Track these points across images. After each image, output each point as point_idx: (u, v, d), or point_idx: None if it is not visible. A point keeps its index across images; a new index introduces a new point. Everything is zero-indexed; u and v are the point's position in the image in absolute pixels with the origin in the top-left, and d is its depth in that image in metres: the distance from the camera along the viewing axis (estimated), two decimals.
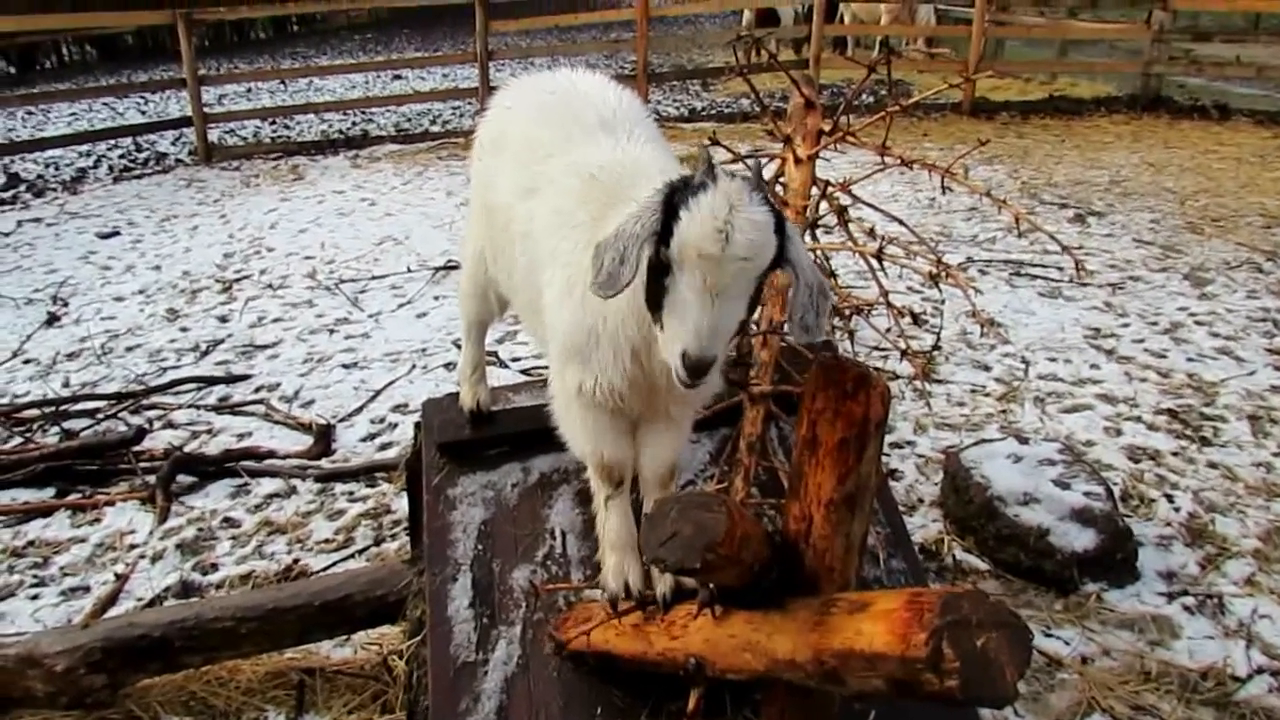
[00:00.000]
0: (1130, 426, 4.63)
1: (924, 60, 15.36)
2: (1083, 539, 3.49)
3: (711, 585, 1.85)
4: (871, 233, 3.57)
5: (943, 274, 2.87)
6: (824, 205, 3.36)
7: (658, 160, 2.12)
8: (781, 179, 3.36)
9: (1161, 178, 9.52)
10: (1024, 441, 4.00)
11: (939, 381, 5.12)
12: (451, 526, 2.63)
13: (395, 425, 4.97)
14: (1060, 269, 6.85)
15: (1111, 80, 14.56)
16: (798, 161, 3.34)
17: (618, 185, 1.99)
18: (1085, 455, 4.23)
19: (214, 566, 3.81)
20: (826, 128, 3.45)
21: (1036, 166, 10.10)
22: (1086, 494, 3.61)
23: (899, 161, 3.01)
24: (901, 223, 3.66)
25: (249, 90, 17.61)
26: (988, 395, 5.01)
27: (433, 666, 2.38)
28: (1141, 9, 13.28)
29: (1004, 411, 4.83)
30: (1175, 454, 4.40)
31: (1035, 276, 6.77)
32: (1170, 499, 4.04)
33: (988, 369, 5.31)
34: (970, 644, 1.37)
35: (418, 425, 2.96)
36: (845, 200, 3.37)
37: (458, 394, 2.92)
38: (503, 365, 5.43)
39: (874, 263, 2.89)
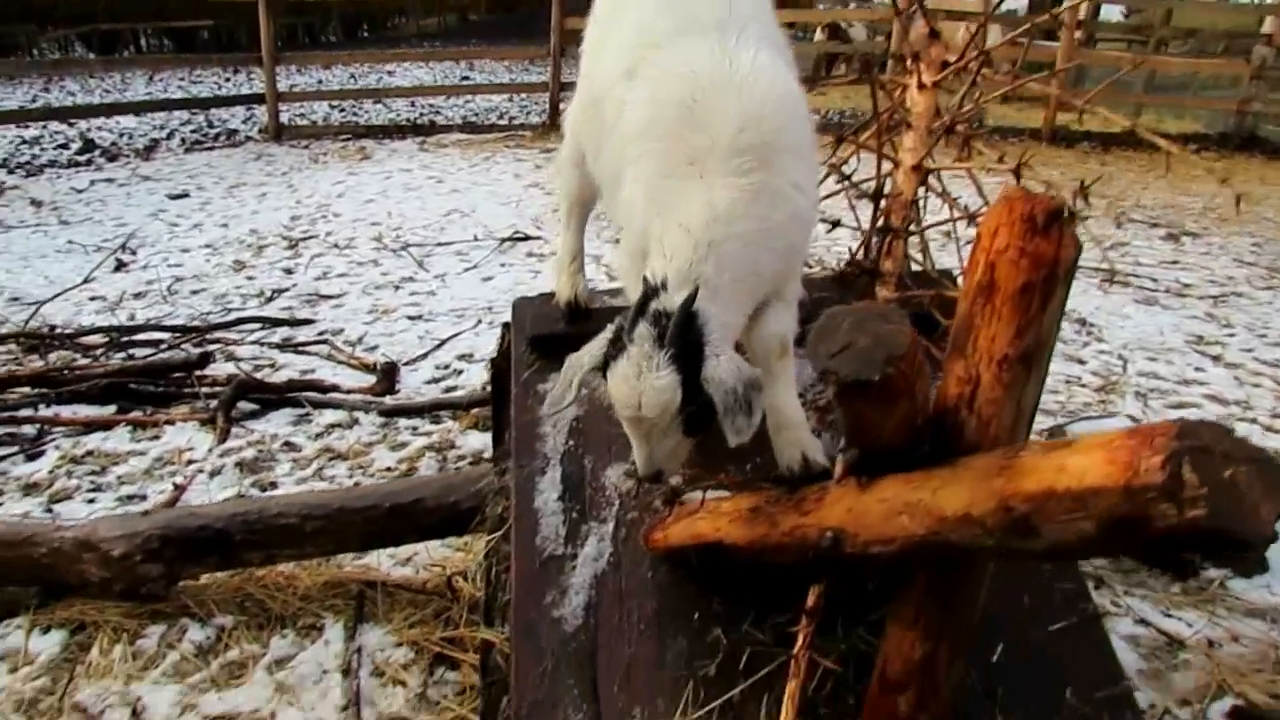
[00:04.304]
0: (1245, 428, 4.33)
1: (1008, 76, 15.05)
2: None
3: (856, 449, 1.64)
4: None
5: (1080, 196, 2.67)
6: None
7: (761, 77, 2.00)
8: (905, 106, 3.18)
9: (1260, 209, 9.12)
10: (1136, 422, 3.74)
11: None
12: (541, 421, 2.44)
13: (460, 372, 4.82)
14: (1154, 280, 6.55)
15: (1201, 118, 14.11)
16: (921, 87, 3.16)
17: (706, 119, 1.92)
18: None
19: (273, 485, 3.67)
20: (951, 59, 3.26)
21: (1121, 191, 9.78)
22: None
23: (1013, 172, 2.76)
24: (1017, 176, 3.45)
25: (319, 82, 17.81)
26: (1084, 386, 4.74)
27: (516, 558, 2.18)
28: (1241, 42, 12.83)
29: (1103, 402, 4.56)
30: None
31: (1129, 285, 6.47)
32: None
33: (1082, 363, 5.04)
34: (1216, 472, 1.14)
35: (505, 325, 2.78)
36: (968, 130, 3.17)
37: (549, 294, 2.74)
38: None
39: (1013, 179, 2.70)
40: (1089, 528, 1.25)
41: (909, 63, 3.15)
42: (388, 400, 4.40)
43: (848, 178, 2.90)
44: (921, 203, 3.14)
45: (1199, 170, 11.27)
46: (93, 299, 6.03)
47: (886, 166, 2.95)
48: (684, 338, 1.73)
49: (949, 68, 3.22)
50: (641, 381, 1.73)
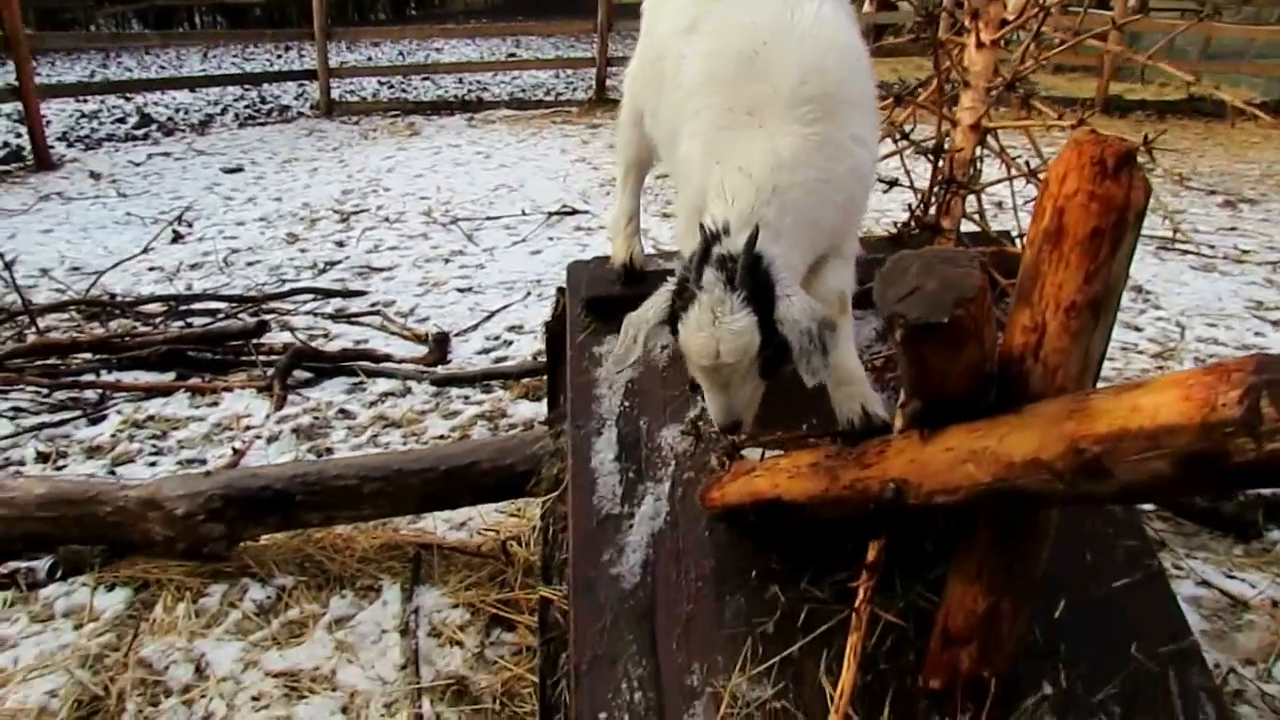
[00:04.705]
0: None
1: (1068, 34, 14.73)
2: None
3: (918, 401, 1.62)
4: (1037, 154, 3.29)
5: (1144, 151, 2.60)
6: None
7: (824, 28, 1.96)
8: (963, 66, 3.12)
9: None
10: None
11: None
12: (597, 383, 2.44)
13: (510, 343, 4.84)
14: (1212, 247, 6.39)
15: (1257, 85, 13.67)
16: (980, 45, 3.09)
17: (766, 69, 1.89)
18: None
19: (329, 451, 3.73)
20: (1010, 17, 3.19)
21: (1178, 157, 9.52)
22: None
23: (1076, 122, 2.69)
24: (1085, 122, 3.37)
25: (369, 59, 17.95)
26: (1141, 353, 4.65)
27: (574, 516, 2.20)
28: None
29: (1160, 368, 4.46)
30: None
31: (1186, 252, 6.31)
32: None
33: (1138, 329, 4.94)
34: None
35: (560, 289, 2.79)
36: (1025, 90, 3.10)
37: (604, 257, 2.74)
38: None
39: (1071, 130, 2.64)
40: (1163, 466, 1.23)
41: (967, 21, 3.09)
42: (440, 370, 4.44)
43: (906, 135, 2.85)
44: (979, 165, 3.09)
45: (1257, 136, 10.97)
46: (151, 269, 6.15)
47: (946, 126, 2.90)
48: (753, 278, 1.69)
49: (1008, 26, 3.16)
50: (718, 328, 1.68)
